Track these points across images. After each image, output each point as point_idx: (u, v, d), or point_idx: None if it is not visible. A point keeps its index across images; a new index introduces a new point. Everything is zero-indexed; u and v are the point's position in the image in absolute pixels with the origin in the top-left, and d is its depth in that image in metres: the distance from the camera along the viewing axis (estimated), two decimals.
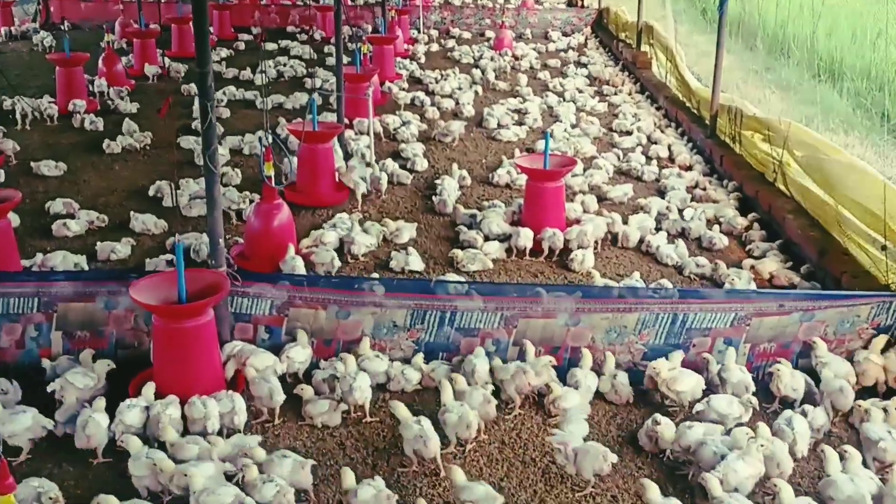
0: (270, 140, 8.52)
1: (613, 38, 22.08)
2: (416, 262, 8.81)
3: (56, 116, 14.11)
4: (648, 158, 12.72)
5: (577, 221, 9.65)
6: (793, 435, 5.90)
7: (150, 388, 6.04)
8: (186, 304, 6.09)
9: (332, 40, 19.29)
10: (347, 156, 12.31)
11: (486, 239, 9.42)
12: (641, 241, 9.57)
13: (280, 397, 6.22)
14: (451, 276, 8.24)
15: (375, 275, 8.32)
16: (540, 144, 12.81)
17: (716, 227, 9.95)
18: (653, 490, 5.28)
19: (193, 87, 16.12)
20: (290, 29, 23.65)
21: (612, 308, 6.88)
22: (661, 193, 11.20)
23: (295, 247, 8.63)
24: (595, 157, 12.59)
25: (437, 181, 11.16)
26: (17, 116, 13.70)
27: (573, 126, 14.38)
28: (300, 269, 8.22)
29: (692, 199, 10.90)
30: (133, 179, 11.48)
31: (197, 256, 8.86)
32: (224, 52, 19.97)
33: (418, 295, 6.86)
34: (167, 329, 6.09)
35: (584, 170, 11.96)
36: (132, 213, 9.78)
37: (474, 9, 25.03)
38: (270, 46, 20.80)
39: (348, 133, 13.09)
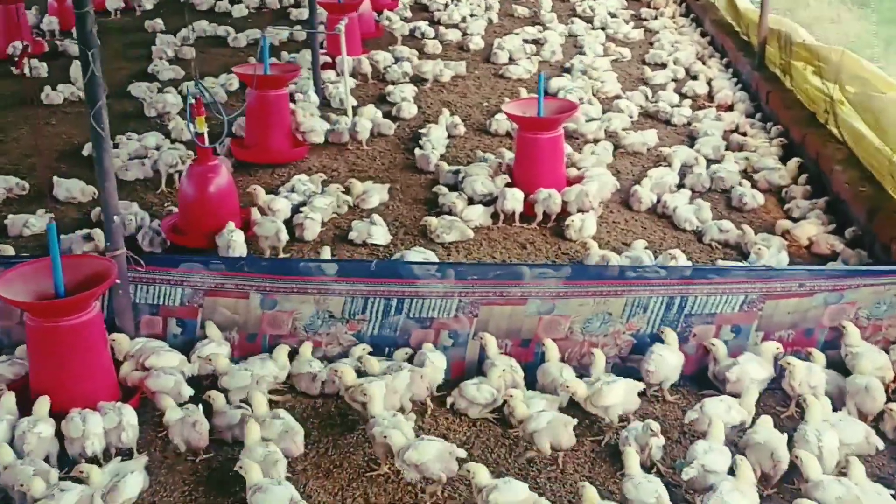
0: (197, 91, 8.13)
1: None
2: (380, 234, 8.43)
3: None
4: (683, 97, 12.16)
5: (581, 179, 9.16)
6: (819, 449, 5.45)
7: (44, 403, 5.75)
8: (61, 299, 5.78)
9: None
10: (325, 102, 11.94)
11: (471, 202, 9.00)
12: (660, 200, 9.08)
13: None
14: (418, 251, 7.87)
15: (327, 251, 7.94)
16: (556, 82, 12.32)
17: (751, 182, 9.40)
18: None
19: (160, 24, 15.85)
20: None
21: (592, 292, 6.45)
22: (694, 140, 10.66)
23: (241, 216, 8.32)
24: (620, 97, 12.04)
25: (423, 130, 10.74)
26: None
27: (598, 57, 13.79)
28: (239, 246, 7.88)
29: (727, 148, 10.34)
30: (71, 136, 11.20)
31: (125, 230, 8.55)
32: None
33: (359, 279, 6.50)
34: (41, 328, 5.80)
35: (604, 112, 11.45)
36: (55, 178, 9.49)
37: None
38: None
39: (329, 75, 12.69)
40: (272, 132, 10.17)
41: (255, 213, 8.37)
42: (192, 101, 8.11)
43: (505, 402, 6.02)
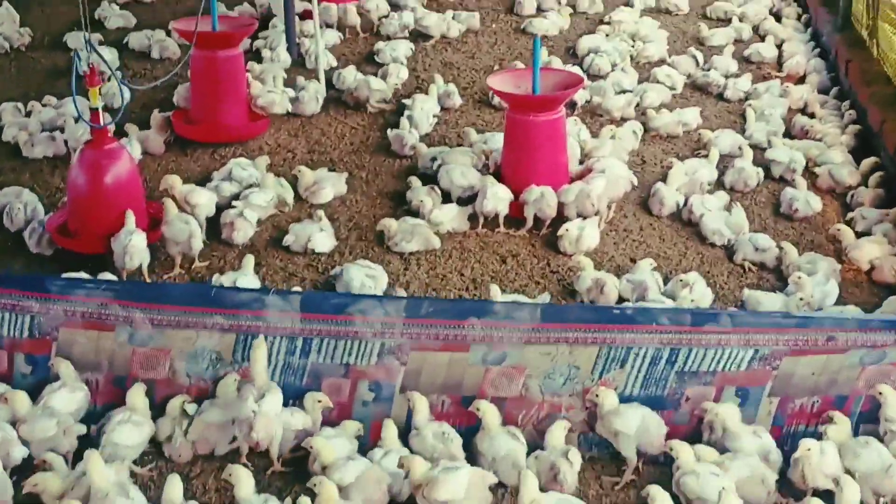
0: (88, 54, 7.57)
1: None
2: (322, 240, 7.83)
3: None
4: (747, 62, 11.38)
5: (586, 174, 8.45)
6: None
7: None
8: None
9: None
10: (299, 62, 11.36)
11: (447, 198, 8.35)
12: (686, 202, 8.35)
13: None
14: (362, 266, 7.28)
15: (250, 263, 7.37)
16: (586, 42, 11.60)
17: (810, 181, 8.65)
18: None
19: None
20: None
21: (556, 338, 5.80)
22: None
23: (149, 212, 7.80)
24: (663, 63, 11.28)
25: (408, 101, 10.10)
26: None
27: (647, 12, 13.01)
28: (139, 252, 7.32)
29: (788, 134, 9.57)
30: None
31: (10, 224, 8.08)
32: None
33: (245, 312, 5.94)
34: None
35: (640, 82, 10.72)
36: None
37: None
38: None
39: (308, 26, 12.07)
40: (222, 103, 9.60)
41: (167, 209, 7.80)
42: (84, 67, 7.55)
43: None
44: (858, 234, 7.85)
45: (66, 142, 9.34)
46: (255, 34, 11.79)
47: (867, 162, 8.77)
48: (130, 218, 7.45)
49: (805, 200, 8.29)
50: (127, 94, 9.30)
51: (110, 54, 11.04)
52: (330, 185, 8.61)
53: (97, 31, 12.34)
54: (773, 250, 7.60)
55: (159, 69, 11.30)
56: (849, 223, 8.09)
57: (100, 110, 7.59)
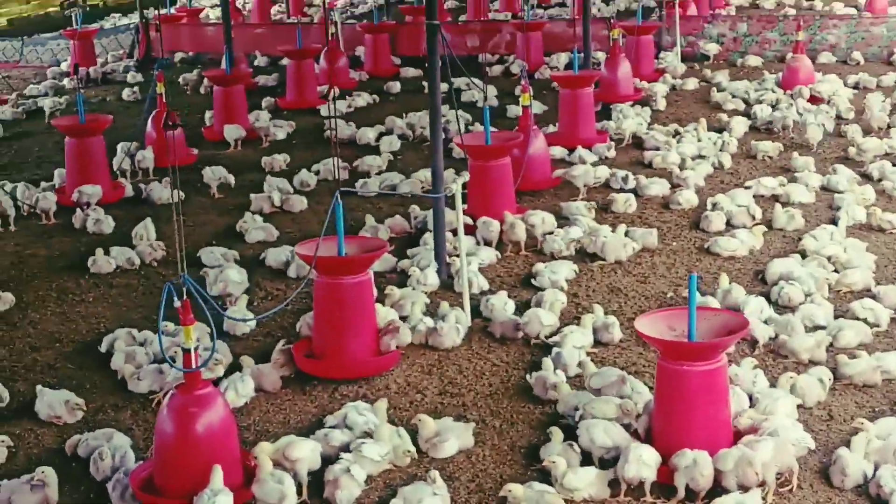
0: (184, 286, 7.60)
1: None
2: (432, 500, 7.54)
3: (52, 211, 14.14)
4: None
5: (751, 433, 7.94)
6: None
7: None
8: None
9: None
10: (448, 283, 11.30)
11: (587, 459, 7.98)
12: (876, 473, 7.70)
13: None
14: None
15: None
16: (779, 265, 11.15)
17: None
18: None
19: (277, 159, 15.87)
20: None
21: None
22: None
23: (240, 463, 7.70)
24: (866, 294, 10.74)
25: (557, 337, 9.86)
26: None
27: (853, 229, 12.52)
28: None
29: None
30: (101, 322, 11.04)
31: (97, 472, 8.08)
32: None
33: None
34: None
35: (836, 317, 10.19)
36: (38, 387, 9.22)
37: (772, 19, 23.33)
38: None
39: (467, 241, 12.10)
40: (345, 335, 9.58)
41: (261, 465, 7.68)
42: (178, 303, 7.60)
43: None
44: None
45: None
46: (402, 252, 11.92)
47: None
48: (217, 475, 7.36)
49: None
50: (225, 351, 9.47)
51: (239, 276, 11.23)
52: (454, 437, 8.35)
53: (237, 244, 12.68)
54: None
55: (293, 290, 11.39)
56: None
57: (192, 351, 7.58)
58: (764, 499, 7.47)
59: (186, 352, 7.57)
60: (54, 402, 9.03)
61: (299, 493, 7.75)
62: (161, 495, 7.61)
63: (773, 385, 8.88)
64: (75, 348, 10.49)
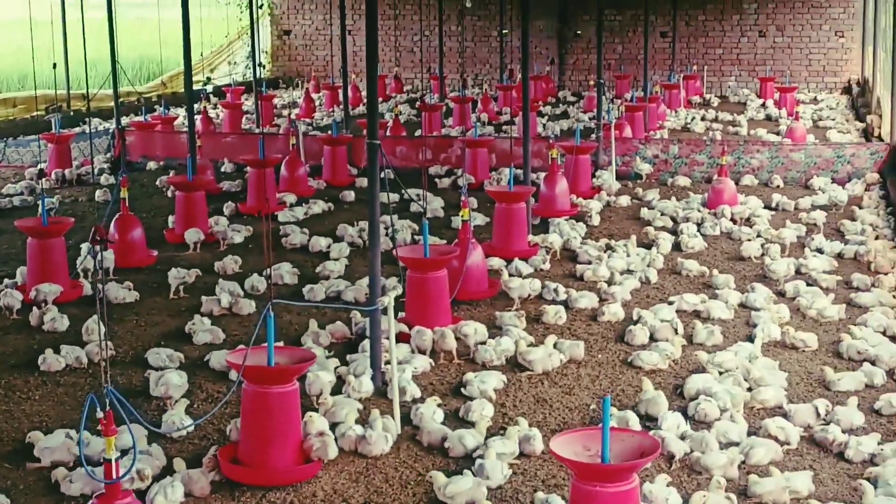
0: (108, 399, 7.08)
1: None
2: None
3: (16, 308, 13.55)
4: (878, 414, 10.28)
5: None
6: None
7: None
8: None
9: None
10: (382, 391, 10.77)
11: None
12: None
13: None
14: None
15: None
16: (697, 381, 10.71)
17: None
18: None
19: (229, 265, 15.33)
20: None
21: None
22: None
23: None
24: (777, 412, 10.28)
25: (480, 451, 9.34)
26: None
27: (769, 346, 12.12)
28: None
29: None
30: (49, 419, 10.38)
31: None
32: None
33: None
34: None
35: (749, 434, 9.73)
36: None
37: (700, 143, 23.15)
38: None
39: (405, 350, 11.61)
40: (271, 442, 9.01)
41: None
42: (100, 413, 7.06)
43: None
44: None
45: None
46: (343, 358, 11.48)
47: None
48: None
49: None
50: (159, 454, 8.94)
51: (180, 379, 10.68)
52: None
53: (185, 346, 12.14)
54: None
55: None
56: None
57: (113, 461, 7.03)
58: None
59: (107, 462, 7.03)
60: None
61: None
62: None
63: (686, 501, 8.40)
64: (14, 447, 9.81)
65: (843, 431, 9.76)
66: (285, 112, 30.50)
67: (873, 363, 11.43)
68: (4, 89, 32.82)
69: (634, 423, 9.83)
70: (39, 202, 15.61)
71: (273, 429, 8.95)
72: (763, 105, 33.18)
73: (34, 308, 13.33)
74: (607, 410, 7.33)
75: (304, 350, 10.19)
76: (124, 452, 7.89)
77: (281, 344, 10.71)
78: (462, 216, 13.93)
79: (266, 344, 9.11)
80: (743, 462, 9.21)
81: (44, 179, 22.04)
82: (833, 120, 29.75)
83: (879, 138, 24.60)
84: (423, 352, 11.81)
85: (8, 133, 27.25)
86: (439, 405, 10.37)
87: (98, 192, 21.29)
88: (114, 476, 7.00)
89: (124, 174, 16.25)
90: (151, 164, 24.01)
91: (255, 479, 8.91)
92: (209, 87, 37.76)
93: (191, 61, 19.80)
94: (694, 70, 37.03)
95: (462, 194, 14.82)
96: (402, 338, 12.01)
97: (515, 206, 15.88)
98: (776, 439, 9.60)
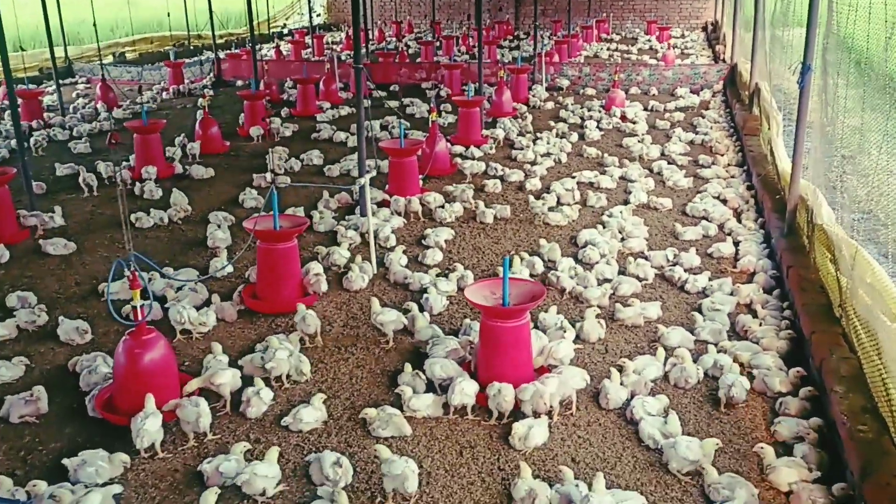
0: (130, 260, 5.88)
1: (737, 96, 17.77)
2: (310, 416, 5.90)
3: (129, 183, 12.22)
4: (710, 257, 9.06)
5: (548, 370, 6.34)
6: None
7: None
8: None
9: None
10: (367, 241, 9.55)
11: (430, 387, 6.33)
12: (631, 401, 6.11)
13: None
14: (331, 456, 5.29)
15: (238, 449, 5.46)
16: (586, 234, 9.48)
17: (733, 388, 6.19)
18: None
19: (279, 150, 13.89)
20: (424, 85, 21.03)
21: None
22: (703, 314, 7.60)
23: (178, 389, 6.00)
24: (640, 256, 9.06)
25: (426, 281, 8.18)
26: (81, 183, 11.88)
27: (639, 208, 10.81)
28: (149, 434, 5.52)
29: (732, 331, 7.26)
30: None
31: (86, 385, 6.39)
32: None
33: None
34: None
35: (620, 273, 8.54)
36: (60, 317, 7.47)
37: (602, 65, 21.26)
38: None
39: (385, 213, 10.35)
40: (278, 283, 7.85)
41: (187, 391, 6.02)
42: (127, 272, 5.86)
43: None
44: (781, 445, 5.52)
45: None
46: (343, 215, 10.24)
47: (793, 372, 6.37)
48: (150, 401, 5.68)
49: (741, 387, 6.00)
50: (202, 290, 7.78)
51: (223, 234, 9.47)
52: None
53: (236, 209, 10.86)
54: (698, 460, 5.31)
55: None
56: (773, 435, 5.74)
57: (138, 308, 5.85)
58: (550, 418, 5.89)
59: (134, 308, 5.86)
60: (68, 328, 7.30)
61: (223, 407, 6.14)
62: (115, 412, 5.95)
63: (573, 323, 7.26)
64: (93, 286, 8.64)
65: (685, 270, 8.59)
66: (327, 49, 28.23)
67: (709, 220, 10.15)
68: (145, 30, 30.52)
69: (539, 265, 8.63)
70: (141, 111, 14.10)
71: (279, 273, 7.78)
72: (648, 40, 30.89)
73: (137, 183, 11.99)
74: (507, 266, 6.12)
75: (300, 217, 8.86)
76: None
77: (291, 211, 9.53)
78: (431, 118, 12.42)
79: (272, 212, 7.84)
80: (613, 293, 8.05)
81: (163, 92, 20.34)
82: (693, 49, 27.62)
83: (724, 61, 22.67)
84: (398, 213, 10.53)
85: (146, 61, 25.38)
86: (404, 251, 9.15)
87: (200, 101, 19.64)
88: (139, 318, 5.82)
89: (208, 91, 14.59)
90: (239, 82, 22.15)
91: (268, 309, 7.77)
92: (285, 31, 35.27)
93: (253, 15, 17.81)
94: (603, 16, 34.48)
95: (432, 102, 13.31)
96: (384, 203, 10.74)
97: (473, 109, 14.30)
98: (637, 277, 8.43)
